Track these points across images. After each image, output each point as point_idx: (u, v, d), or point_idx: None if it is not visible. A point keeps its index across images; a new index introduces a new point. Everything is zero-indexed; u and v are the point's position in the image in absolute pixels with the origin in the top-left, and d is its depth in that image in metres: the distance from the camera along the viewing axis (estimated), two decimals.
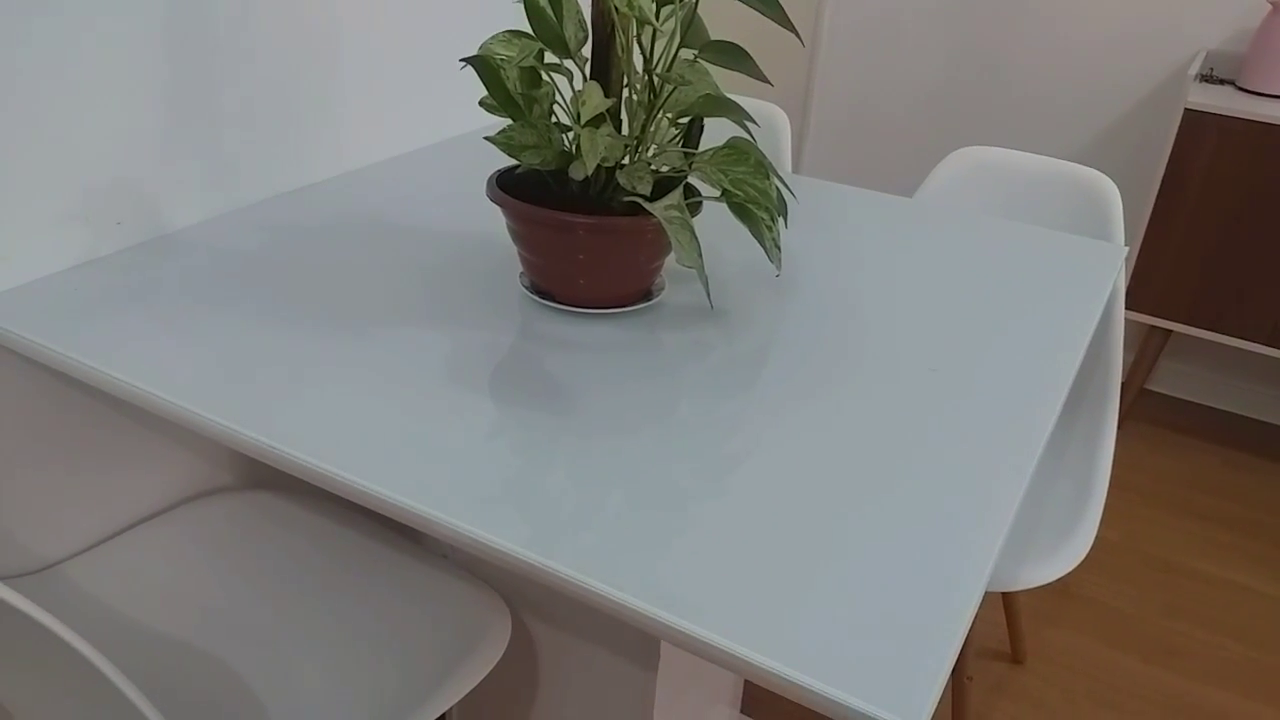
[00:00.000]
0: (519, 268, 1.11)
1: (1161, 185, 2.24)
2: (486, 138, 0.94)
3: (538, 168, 0.96)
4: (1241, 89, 2.30)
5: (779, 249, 1.01)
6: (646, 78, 0.95)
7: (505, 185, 1.02)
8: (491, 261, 1.16)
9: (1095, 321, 1.13)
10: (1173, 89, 2.50)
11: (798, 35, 0.92)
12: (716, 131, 1.19)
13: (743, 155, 0.92)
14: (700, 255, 0.90)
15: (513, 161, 1.09)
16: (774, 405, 0.90)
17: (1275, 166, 2.13)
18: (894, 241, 1.31)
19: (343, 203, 1.30)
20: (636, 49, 0.93)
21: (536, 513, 0.74)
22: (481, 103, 1.00)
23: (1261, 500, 2.34)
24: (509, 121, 0.99)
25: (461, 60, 0.94)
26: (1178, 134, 2.18)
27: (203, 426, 0.84)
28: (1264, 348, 2.29)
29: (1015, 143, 2.69)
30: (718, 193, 0.96)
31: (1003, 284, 1.21)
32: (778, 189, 0.95)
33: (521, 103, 0.95)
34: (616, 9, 0.85)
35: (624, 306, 1.04)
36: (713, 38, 0.96)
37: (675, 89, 0.96)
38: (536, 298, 1.06)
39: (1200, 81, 2.33)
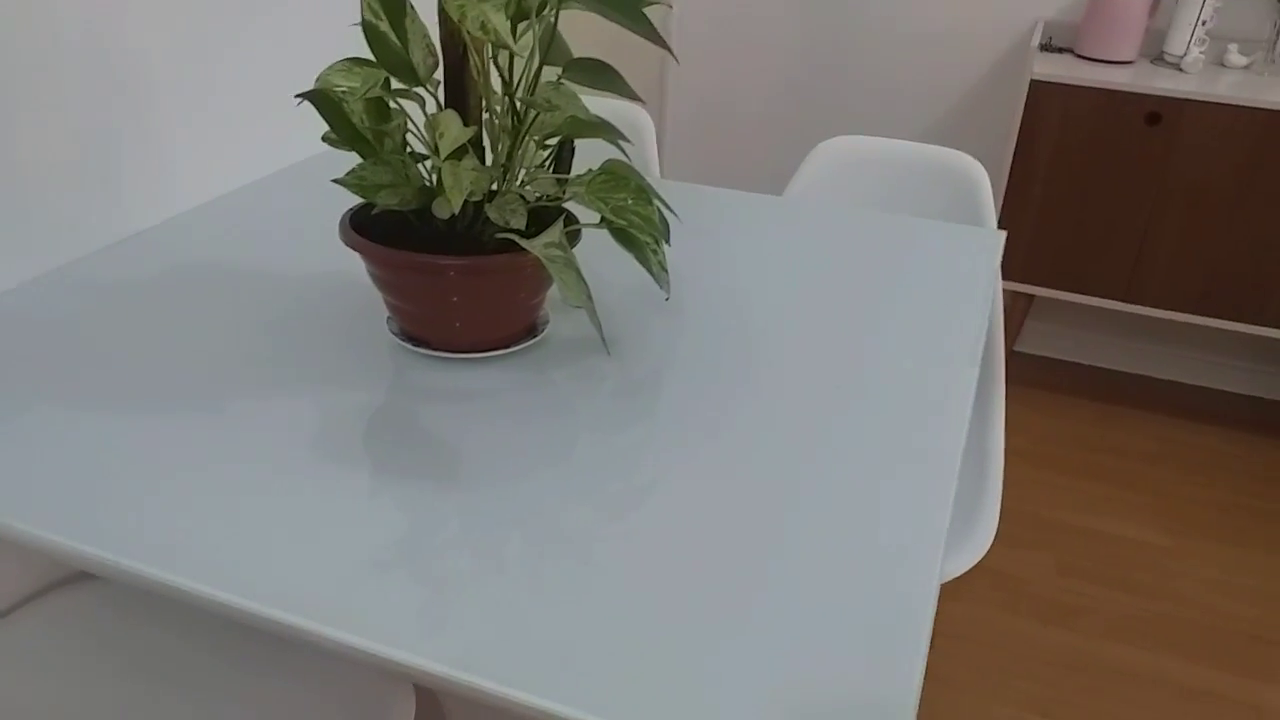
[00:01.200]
0: (385, 312, 1.02)
1: (1015, 155, 2.28)
2: (335, 180, 0.85)
3: (396, 208, 0.87)
4: (1080, 56, 2.37)
5: (665, 271, 0.95)
6: (508, 101, 0.87)
7: (361, 226, 0.93)
8: (352, 306, 1.06)
9: (987, 312, 1.12)
10: (1016, 60, 2.56)
11: (670, 52, 0.86)
12: (585, 149, 1.12)
13: (621, 180, 0.85)
14: (589, 295, 0.83)
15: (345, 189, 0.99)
16: (677, 433, 0.85)
17: (1119, 131, 2.20)
18: (774, 244, 1.27)
19: (174, 251, 1.18)
20: (494, 71, 0.85)
21: (424, 601, 0.66)
22: (325, 138, 0.91)
23: (1135, 450, 2.43)
24: (357, 156, 0.90)
25: (298, 96, 0.84)
26: (1026, 104, 2.23)
27: (30, 542, 0.72)
28: (1121, 304, 2.37)
29: (872, 128, 2.71)
30: (596, 218, 0.89)
31: (890, 279, 1.18)
32: (659, 211, 0.89)
33: (370, 138, 0.86)
34: (469, 32, 0.77)
35: (507, 347, 0.97)
36: (572, 51, 0.89)
37: (538, 115, 0.88)
38: (408, 345, 0.97)
39: (1042, 51, 2.38)
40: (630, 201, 0.85)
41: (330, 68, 0.84)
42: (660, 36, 0.81)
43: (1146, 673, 1.77)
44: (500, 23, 0.74)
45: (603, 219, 0.90)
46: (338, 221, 1.25)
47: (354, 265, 1.15)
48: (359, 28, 0.87)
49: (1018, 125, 2.25)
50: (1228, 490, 2.29)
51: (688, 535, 0.73)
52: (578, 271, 0.82)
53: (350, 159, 0.94)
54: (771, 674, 0.62)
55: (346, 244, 0.91)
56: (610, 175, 0.86)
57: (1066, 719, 1.67)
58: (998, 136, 2.62)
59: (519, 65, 0.87)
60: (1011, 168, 2.31)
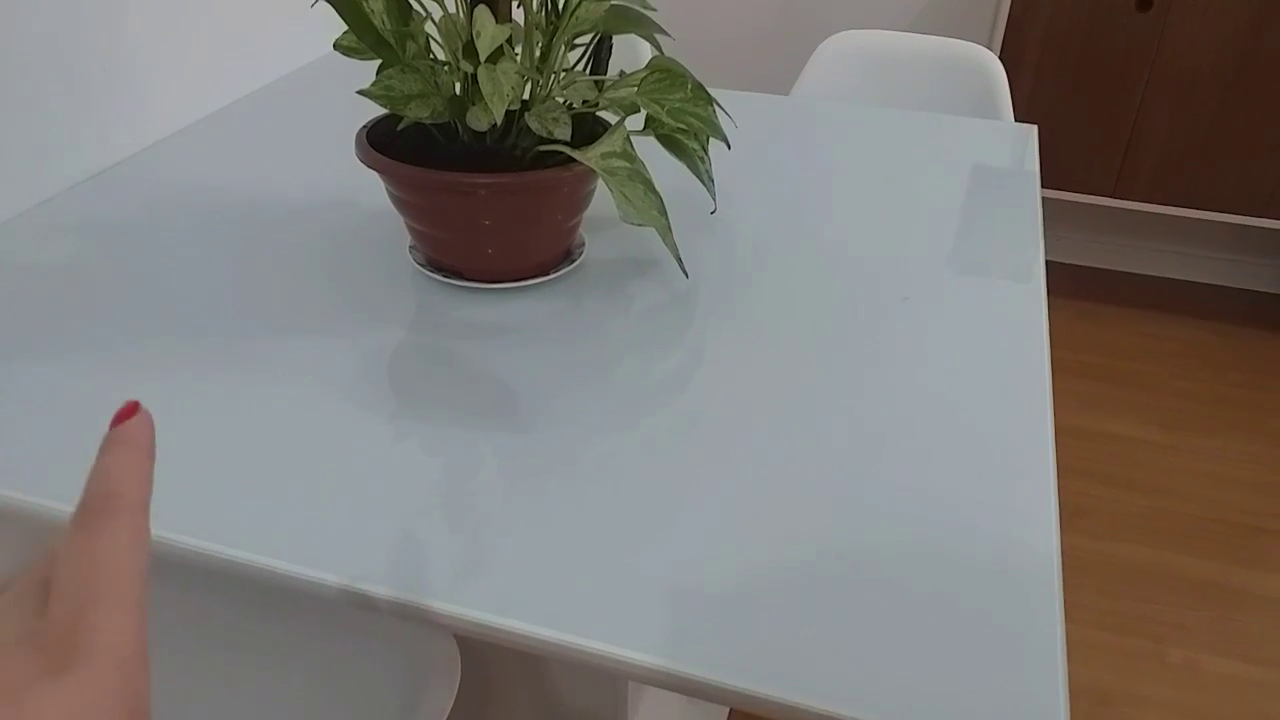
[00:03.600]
0: (406, 239, 0.92)
1: (1003, 47, 2.20)
2: (360, 91, 0.74)
3: (427, 121, 0.77)
4: None
5: (713, 181, 0.87)
6: None
7: (379, 143, 0.83)
8: (366, 233, 0.96)
9: (1039, 216, 1.05)
10: None
11: None
12: None
13: (677, 79, 0.76)
14: (663, 210, 0.75)
15: (374, 106, 0.89)
16: (729, 360, 0.77)
17: (1108, 18, 2.12)
18: (804, 148, 1.19)
19: (159, 181, 1.06)
20: None
21: (461, 547, 0.59)
22: (337, 45, 0.80)
23: (1120, 348, 2.42)
24: (373, 62, 0.80)
25: None
26: None
27: (26, 511, 0.63)
28: (1108, 199, 2.33)
29: (854, 20, 2.60)
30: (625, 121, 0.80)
31: (928, 182, 1.11)
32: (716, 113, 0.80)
33: (394, 42, 0.75)
34: None
35: (543, 275, 0.88)
36: None
37: (578, 5, 0.78)
38: (435, 274, 0.88)
39: None
40: (689, 103, 0.76)
41: None
42: None
43: (1155, 570, 1.78)
44: None
45: (649, 123, 0.81)
46: (338, 137, 1.14)
47: (367, 187, 1.04)
48: None
49: (1005, 14, 2.16)
50: (1216, 383, 2.30)
51: (743, 472, 0.66)
52: (647, 183, 0.74)
53: (353, 67, 0.83)
54: (862, 638, 0.56)
55: (366, 163, 0.81)
56: (665, 74, 0.77)
57: (1082, 621, 1.67)
58: (981, 25, 2.54)
59: None
60: (1000, 58, 2.23)
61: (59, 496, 0.63)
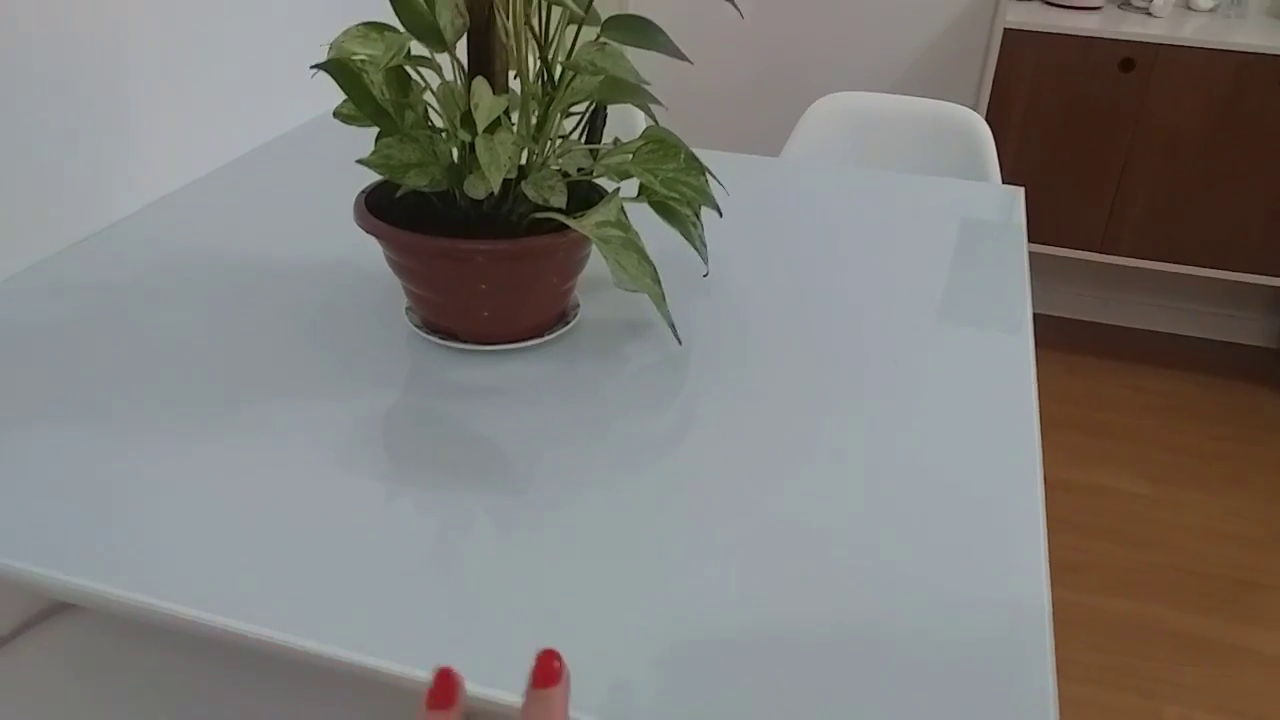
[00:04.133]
0: (403, 301, 0.93)
1: (990, 105, 2.24)
2: (360, 161, 0.76)
3: (425, 189, 0.78)
4: (1048, 2, 2.33)
5: (705, 245, 0.89)
6: (540, 66, 0.79)
7: (377, 207, 0.84)
8: (365, 296, 0.97)
9: (1025, 273, 1.07)
10: (984, 8, 2.51)
11: (734, 4, 0.78)
12: None
13: (670, 150, 0.78)
14: (656, 278, 0.76)
15: (370, 173, 0.90)
16: (722, 421, 0.78)
17: (1093, 78, 2.17)
18: (794, 210, 1.21)
19: (156, 242, 1.07)
20: (528, 33, 0.77)
21: (452, 613, 0.59)
22: (337, 114, 0.82)
23: (1107, 400, 2.44)
24: (371, 129, 0.81)
25: (313, 66, 0.75)
26: (1000, 54, 2.19)
27: (17, 578, 0.63)
28: (1096, 254, 2.36)
29: (843, 83, 2.65)
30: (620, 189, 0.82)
31: (917, 242, 1.13)
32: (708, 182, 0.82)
33: (393, 112, 0.77)
34: None
35: (538, 337, 0.89)
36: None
37: (574, 77, 0.80)
38: (431, 337, 0.89)
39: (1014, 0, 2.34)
40: (682, 173, 0.78)
41: (345, 34, 0.75)
42: None
43: (1147, 624, 1.78)
44: None
45: (642, 191, 0.83)
46: (335, 198, 1.15)
47: (364, 250, 1.06)
48: None
49: (991, 75, 2.21)
50: (1201, 436, 2.32)
51: (735, 534, 0.67)
52: (640, 251, 0.75)
53: (349, 132, 0.85)
54: (854, 698, 0.56)
55: (364, 229, 0.82)
56: (659, 144, 0.79)
57: (1075, 678, 1.66)
58: (967, 87, 2.59)
59: (553, 25, 0.78)
60: (986, 119, 2.28)
61: (50, 564, 0.63)
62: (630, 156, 0.80)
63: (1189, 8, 2.32)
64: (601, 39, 0.77)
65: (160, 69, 1.16)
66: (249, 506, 0.69)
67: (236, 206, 1.17)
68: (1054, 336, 2.70)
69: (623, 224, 0.75)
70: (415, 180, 0.77)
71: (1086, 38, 2.13)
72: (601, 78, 0.82)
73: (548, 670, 0.38)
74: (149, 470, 0.72)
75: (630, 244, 0.74)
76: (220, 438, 0.76)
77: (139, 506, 0.68)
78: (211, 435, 0.76)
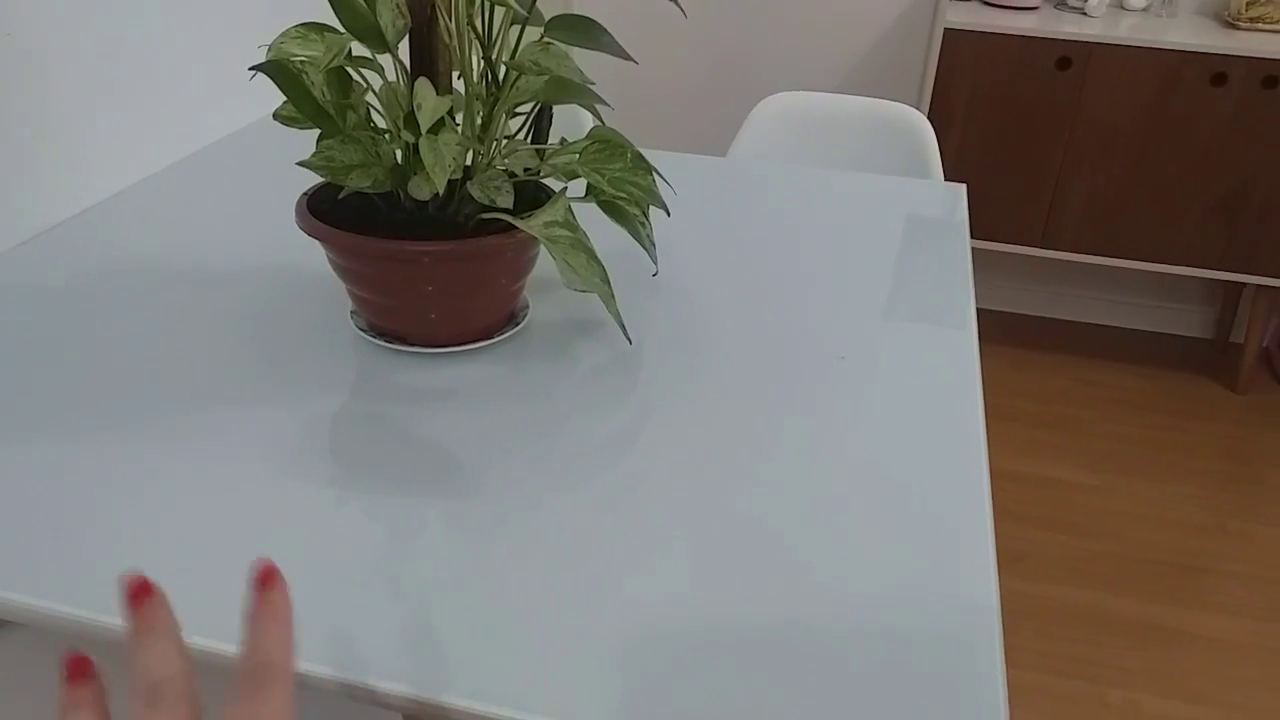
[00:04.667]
0: (347, 304, 0.92)
1: (932, 104, 2.27)
2: (300, 163, 0.75)
3: (368, 190, 0.77)
4: (986, 2, 2.37)
5: (654, 245, 0.89)
6: (484, 66, 0.79)
7: (319, 210, 0.83)
8: (306, 298, 0.96)
9: (969, 270, 1.09)
10: (923, 8, 2.54)
11: (678, 4, 0.78)
12: None
13: (617, 149, 0.78)
14: (606, 279, 0.76)
15: (309, 170, 0.89)
16: (673, 420, 0.78)
17: (1031, 76, 2.21)
18: (741, 209, 1.21)
19: (92, 248, 1.05)
20: (471, 33, 0.76)
21: (404, 619, 0.59)
22: (277, 115, 0.80)
23: (1051, 393, 2.48)
24: (313, 131, 0.80)
25: (251, 68, 0.73)
26: (941, 53, 2.22)
27: None
28: (1037, 249, 2.40)
29: (785, 82, 2.66)
30: (567, 188, 0.82)
31: (863, 240, 1.14)
32: (656, 182, 0.82)
33: (334, 113, 0.76)
34: None
35: (486, 338, 0.88)
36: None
37: (518, 77, 0.80)
38: (377, 340, 0.88)
39: (953, 0, 2.37)
40: (629, 173, 0.78)
41: (284, 35, 0.74)
42: None
43: (1093, 611, 1.81)
44: None
45: (590, 191, 0.83)
46: (277, 201, 1.13)
47: (306, 253, 1.04)
48: None
49: (933, 74, 2.24)
50: (1142, 425, 2.37)
51: (688, 532, 0.67)
52: (589, 251, 0.75)
53: (291, 135, 0.83)
54: (807, 693, 0.56)
55: (306, 231, 0.81)
56: (605, 144, 0.78)
57: (1022, 665, 1.69)
58: (909, 86, 2.62)
59: (496, 24, 0.78)
60: (928, 117, 2.31)
61: None
62: (577, 156, 0.79)
63: (1122, 7, 2.38)
64: (546, 39, 0.77)
65: (93, 71, 1.13)
66: (191, 516, 0.68)
67: (174, 212, 1.15)
68: (998, 331, 2.74)
69: (570, 224, 0.74)
70: (358, 182, 0.76)
71: (1024, 37, 2.17)
72: (546, 78, 0.81)
73: (268, 576, 0.39)
74: (83, 481, 0.70)
75: (579, 244, 0.74)
76: (159, 446, 0.74)
77: (73, 518, 0.67)
78: (150, 444, 0.74)
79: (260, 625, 0.38)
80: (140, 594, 0.38)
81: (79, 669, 0.37)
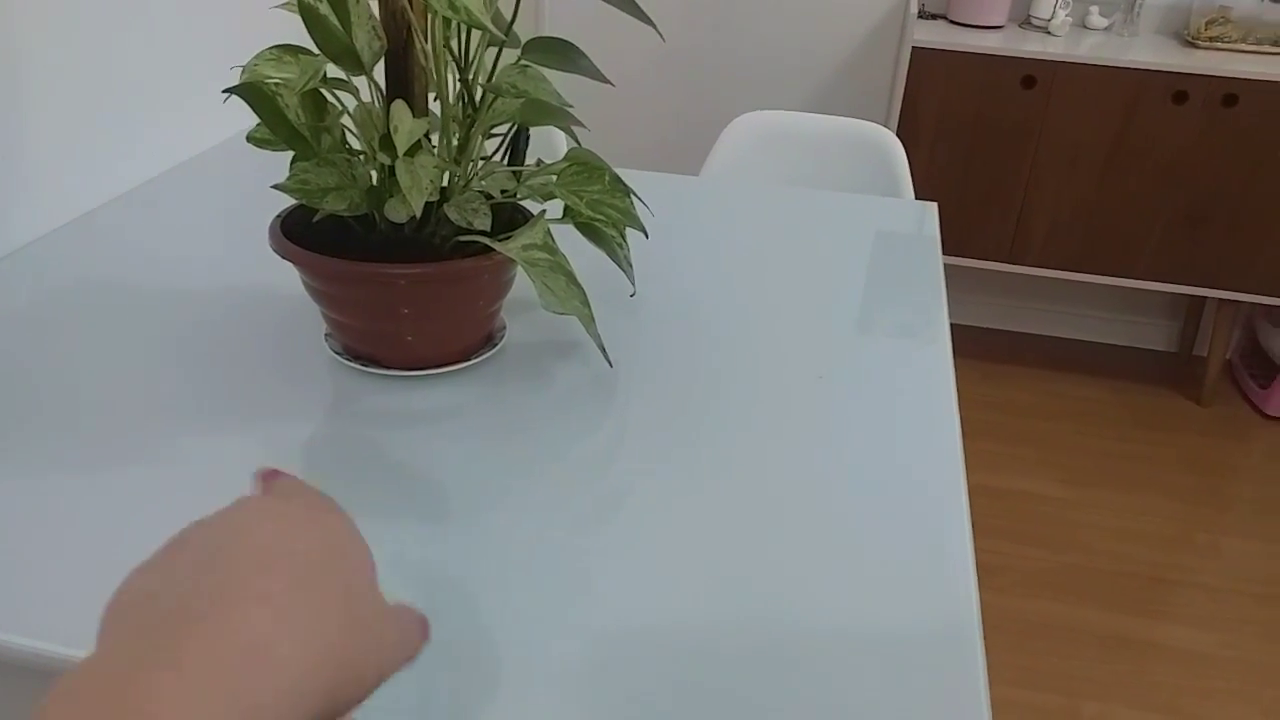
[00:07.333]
0: (321, 326, 0.91)
1: (900, 122, 2.30)
2: (275, 186, 0.74)
3: (344, 213, 0.77)
4: (953, 21, 2.40)
5: (631, 266, 0.89)
6: (461, 88, 0.78)
7: (293, 231, 0.82)
8: (280, 322, 0.95)
9: (941, 286, 1.10)
10: (891, 28, 2.57)
11: (655, 28, 0.79)
12: None
13: (595, 172, 0.78)
14: (585, 301, 0.76)
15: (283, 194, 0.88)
16: (652, 440, 0.78)
17: (997, 95, 2.24)
18: (715, 228, 1.22)
19: (57, 270, 1.03)
20: (448, 55, 0.76)
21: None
22: (250, 138, 0.80)
23: (1021, 406, 2.50)
24: (287, 152, 0.79)
25: (225, 90, 0.73)
26: (910, 73, 2.24)
27: None
28: (1005, 265, 2.43)
29: (754, 101, 2.68)
30: (545, 209, 0.81)
31: (836, 258, 1.14)
32: (633, 204, 0.82)
33: (309, 136, 0.75)
34: (432, 12, 0.68)
35: (464, 361, 0.88)
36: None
37: (495, 99, 0.79)
38: (352, 363, 0.87)
39: (920, 18, 2.40)
40: (607, 195, 0.78)
41: (258, 57, 0.73)
42: (640, 9, 0.74)
43: (1064, 625, 1.83)
44: (472, 0, 0.65)
45: (567, 213, 0.83)
46: (250, 220, 1.12)
47: (277, 276, 1.03)
48: (286, 9, 0.76)
49: (901, 92, 2.26)
50: (1110, 438, 2.39)
51: (667, 550, 0.67)
52: (569, 274, 0.75)
53: (263, 155, 0.82)
54: (786, 708, 0.56)
55: (281, 254, 0.80)
56: (583, 166, 0.78)
57: (997, 680, 1.70)
58: (877, 104, 2.64)
59: (473, 47, 0.78)
60: (897, 135, 2.33)
61: None
62: (554, 178, 0.79)
63: (1085, 26, 2.41)
64: (523, 61, 0.77)
65: (59, 90, 1.12)
66: (150, 542, 0.66)
67: (144, 233, 1.14)
68: (966, 345, 2.77)
69: (550, 247, 0.74)
70: (334, 204, 0.75)
71: (990, 56, 2.20)
72: (523, 102, 0.81)
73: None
74: (55, 506, 0.69)
75: (558, 267, 0.74)
76: (127, 473, 0.73)
77: (38, 549, 0.65)
78: (118, 471, 0.73)
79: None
80: (271, 476, 0.42)
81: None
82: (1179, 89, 2.15)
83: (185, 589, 0.29)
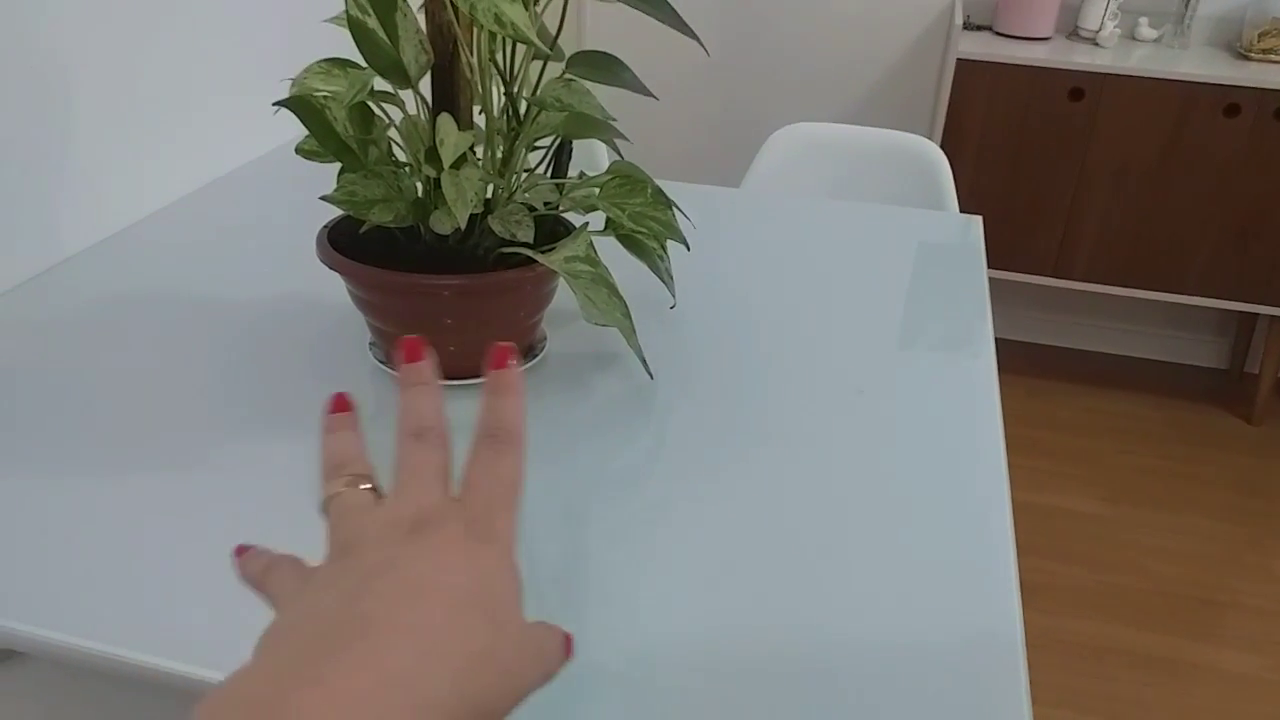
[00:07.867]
0: (365, 335, 0.92)
1: (945, 134, 2.28)
2: (323, 197, 0.75)
3: (389, 225, 0.78)
4: (998, 33, 2.38)
5: (672, 278, 0.89)
6: (505, 101, 0.79)
7: (340, 242, 0.83)
8: (325, 330, 0.96)
9: (986, 300, 1.09)
10: (935, 39, 2.56)
11: (699, 42, 0.79)
12: None
13: (638, 184, 0.78)
14: (627, 313, 0.76)
15: (330, 205, 0.89)
16: (712, 458, 0.78)
17: (1043, 107, 2.22)
18: (758, 241, 1.21)
19: (110, 278, 1.06)
20: (493, 69, 0.77)
21: None
22: (299, 150, 0.81)
23: (1063, 422, 2.47)
24: (333, 164, 0.81)
25: (275, 104, 0.74)
26: (954, 84, 2.22)
27: None
28: (1050, 279, 2.40)
29: (797, 113, 2.68)
30: (587, 222, 0.82)
31: (880, 271, 1.14)
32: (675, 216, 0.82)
33: (357, 148, 0.76)
34: (478, 26, 0.68)
35: None
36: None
37: (539, 112, 0.80)
38: (394, 371, 0.88)
39: (965, 30, 2.38)
40: (649, 208, 0.78)
41: (307, 70, 0.74)
42: (685, 23, 0.74)
43: (1108, 645, 1.79)
44: (518, 15, 0.65)
45: (609, 225, 0.83)
46: (296, 234, 1.14)
47: (323, 286, 1.04)
48: (300, 21, 0.78)
49: (945, 105, 2.25)
50: (1154, 456, 2.35)
51: (705, 564, 0.67)
52: (610, 286, 0.75)
53: (308, 165, 0.84)
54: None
55: (326, 264, 0.81)
56: (625, 179, 0.79)
57: (1042, 701, 1.67)
58: (920, 116, 2.63)
59: (518, 61, 0.78)
60: (941, 147, 2.31)
61: None
62: (597, 191, 0.80)
63: (1134, 38, 2.38)
64: (568, 75, 0.77)
65: (110, 100, 1.14)
66: (200, 548, 0.67)
67: (192, 242, 1.16)
68: (1010, 360, 2.73)
69: (592, 259, 0.75)
70: (380, 216, 0.76)
71: (1036, 68, 2.18)
72: (567, 115, 0.82)
73: (502, 357, 0.44)
74: (96, 512, 0.70)
75: (600, 279, 0.74)
76: (171, 478, 0.74)
77: (84, 549, 0.67)
78: (162, 475, 0.74)
79: (496, 398, 0.43)
80: (415, 352, 0.45)
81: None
82: (1231, 102, 2.12)
83: (339, 615, 0.31)
